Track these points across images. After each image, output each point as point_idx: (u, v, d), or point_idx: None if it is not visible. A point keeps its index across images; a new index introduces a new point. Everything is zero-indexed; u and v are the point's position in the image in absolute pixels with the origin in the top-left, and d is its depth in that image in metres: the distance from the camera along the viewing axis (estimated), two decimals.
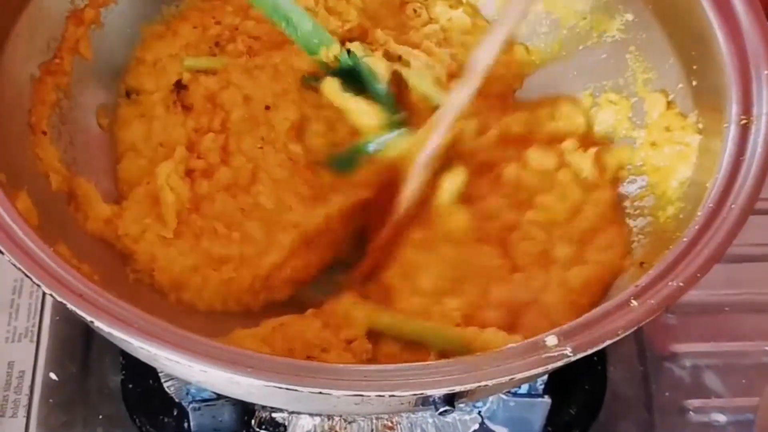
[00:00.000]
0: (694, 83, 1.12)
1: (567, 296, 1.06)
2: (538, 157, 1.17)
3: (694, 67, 1.12)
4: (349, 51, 1.18)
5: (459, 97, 1.11)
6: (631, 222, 1.12)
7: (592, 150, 1.16)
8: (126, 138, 1.18)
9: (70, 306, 0.85)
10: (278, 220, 1.10)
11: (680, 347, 1.22)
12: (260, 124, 1.17)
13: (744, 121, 1.03)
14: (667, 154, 1.13)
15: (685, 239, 0.95)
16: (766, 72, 1.04)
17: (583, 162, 1.16)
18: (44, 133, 1.11)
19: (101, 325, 0.84)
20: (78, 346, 1.16)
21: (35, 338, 1.17)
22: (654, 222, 1.11)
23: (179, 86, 1.21)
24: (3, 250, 0.86)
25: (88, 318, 0.85)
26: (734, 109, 1.02)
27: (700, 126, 1.09)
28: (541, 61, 1.28)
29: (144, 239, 1.09)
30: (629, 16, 1.22)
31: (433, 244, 1.09)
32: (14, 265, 0.85)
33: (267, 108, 1.17)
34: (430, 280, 1.06)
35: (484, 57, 1.10)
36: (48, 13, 1.15)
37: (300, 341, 1.01)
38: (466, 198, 1.13)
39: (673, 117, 1.14)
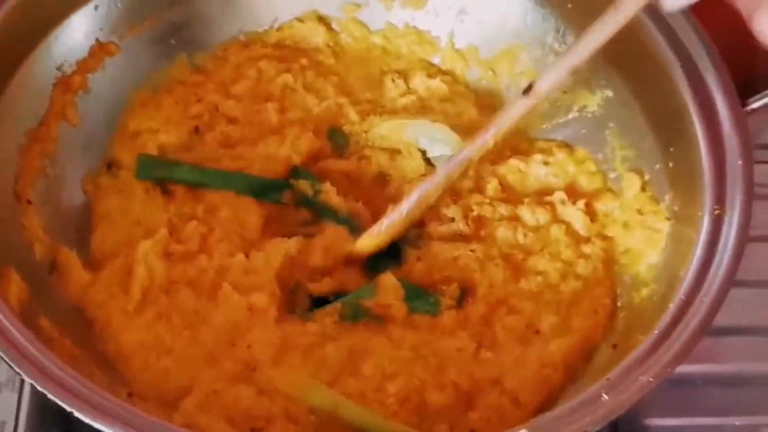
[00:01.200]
0: (671, 165, 1.14)
1: (540, 371, 1.07)
2: (532, 214, 1.19)
3: (671, 149, 1.14)
4: (291, 187, 1.23)
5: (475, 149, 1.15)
6: None
7: (581, 202, 1.19)
8: (102, 209, 1.18)
9: (51, 396, 0.88)
10: (223, 347, 1.09)
11: (654, 421, 1.23)
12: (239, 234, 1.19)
13: (717, 212, 1.05)
14: (638, 238, 1.15)
15: (656, 332, 0.98)
16: (739, 162, 1.06)
17: (575, 214, 1.18)
18: (29, 202, 1.12)
19: (81, 417, 0.87)
20: None
21: (17, 389, 1.15)
22: (629, 301, 1.13)
23: None
24: None
25: (69, 409, 0.88)
26: (708, 198, 1.05)
27: (675, 209, 1.11)
28: (522, 132, 1.29)
29: (107, 307, 1.09)
30: (609, 93, 1.24)
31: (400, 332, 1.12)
32: None
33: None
34: (376, 364, 1.07)
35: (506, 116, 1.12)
36: (35, 80, 1.16)
37: (237, 410, 1.02)
38: (461, 274, 1.16)
39: (646, 200, 1.16)
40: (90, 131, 1.22)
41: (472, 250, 1.18)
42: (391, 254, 1.19)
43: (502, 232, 1.18)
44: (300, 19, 1.35)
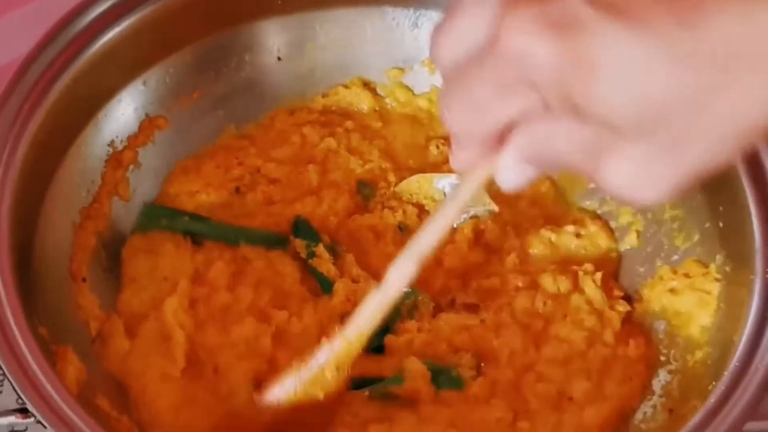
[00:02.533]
0: (721, 224, 1.12)
1: None
2: (553, 282, 1.16)
3: (720, 208, 1.12)
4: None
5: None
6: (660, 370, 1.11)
7: (598, 275, 1.15)
8: (131, 271, 1.17)
9: None
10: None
11: None
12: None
13: None
14: (688, 300, 1.12)
15: (712, 400, 0.97)
16: None
17: (590, 288, 1.15)
18: (84, 280, 1.12)
19: None
20: None
21: None
22: (683, 365, 1.10)
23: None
24: (46, 424, 0.89)
25: None
26: (759, 260, 1.03)
27: (727, 269, 1.09)
28: (561, 195, 1.29)
29: (145, 374, 1.08)
30: None
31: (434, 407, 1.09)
32: None
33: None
34: None
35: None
36: (87, 158, 1.17)
37: None
38: (477, 346, 1.13)
39: (693, 264, 1.14)
40: (139, 203, 1.23)
41: (482, 320, 1.15)
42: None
43: (519, 302, 1.16)
44: (345, 86, 1.35)
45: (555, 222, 1.23)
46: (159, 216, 1.21)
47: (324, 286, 1.18)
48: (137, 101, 1.23)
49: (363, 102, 1.34)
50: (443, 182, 1.25)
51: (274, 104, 1.33)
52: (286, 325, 1.13)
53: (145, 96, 1.23)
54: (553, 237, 1.21)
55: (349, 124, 1.32)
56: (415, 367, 1.10)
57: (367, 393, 1.08)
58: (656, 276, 1.16)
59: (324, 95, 1.35)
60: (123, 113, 1.21)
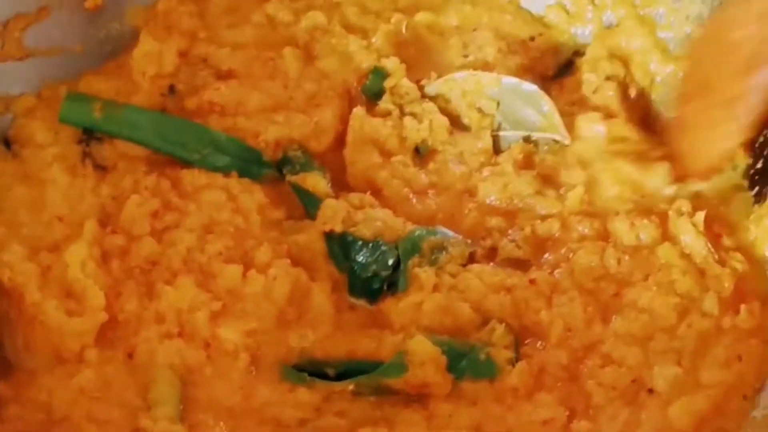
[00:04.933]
0: None
1: None
2: (629, 229, 1.02)
3: None
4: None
5: None
6: None
7: (699, 216, 1.01)
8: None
9: None
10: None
11: None
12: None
13: None
14: None
15: None
16: None
17: (687, 235, 1.01)
18: None
19: None
20: None
21: None
22: None
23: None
24: None
25: None
26: None
27: None
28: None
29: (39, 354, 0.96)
30: None
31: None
32: None
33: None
34: None
35: None
36: None
37: None
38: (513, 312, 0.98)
39: None
40: None
41: (532, 281, 1.00)
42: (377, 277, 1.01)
43: (581, 257, 1.01)
44: None
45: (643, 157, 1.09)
46: (86, 110, 1.06)
47: (310, 206, 1.04)
48: None
49: None
50: (499, 91, 1.10)
51: None
52: (239, 285, 0.98)
53: None
54: (634, 173, 1.06)
55: None
56: (424, 348, 0.95)
57: (352, 387, 0.96)
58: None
59: None
60: None
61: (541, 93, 1.10)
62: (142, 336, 0.96)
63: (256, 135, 1.08)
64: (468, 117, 1.12)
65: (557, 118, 1.08)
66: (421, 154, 1.09)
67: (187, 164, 1.05)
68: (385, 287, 1.00)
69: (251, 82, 1.11)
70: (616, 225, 1.03)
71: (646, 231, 1.03)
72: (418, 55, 1.16)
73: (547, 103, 1.09)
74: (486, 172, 1.07)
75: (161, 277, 0.99)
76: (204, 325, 0.96)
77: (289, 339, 0.96)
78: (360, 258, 1.00)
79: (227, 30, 1.14)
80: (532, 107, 1.09)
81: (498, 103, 1.10)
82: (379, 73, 1.12)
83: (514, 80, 1.11)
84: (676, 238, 1.02)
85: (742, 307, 0.98)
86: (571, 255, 1.02)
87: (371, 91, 1.12)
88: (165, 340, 0.96)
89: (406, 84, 1.12)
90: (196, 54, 1.13)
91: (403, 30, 1.16)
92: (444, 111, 1.11)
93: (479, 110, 1.11)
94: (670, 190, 1.06)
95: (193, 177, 1.05)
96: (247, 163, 1.07)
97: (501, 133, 1.10)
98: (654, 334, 0.97)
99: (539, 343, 0.99)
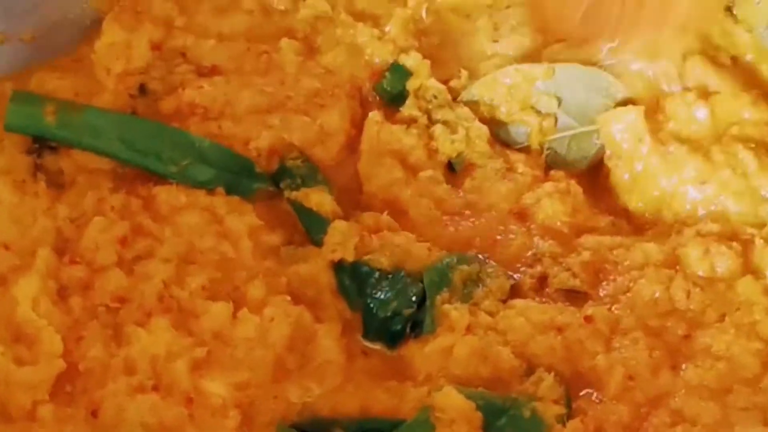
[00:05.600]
0: None
1: None
2: (703, 258, 0.95)
3: None
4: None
5: None
6: None
7: None
8: None
9: None
10: None
11: None
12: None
13: None
14: None
15: None
16: None
17: None
18: None
19: None
20: None
21: None
22: None
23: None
24: None
25: None
26: None
27: None
28: None
29: None
30: None
31: None
32: None
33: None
34: None
35: None
36: None
37: None
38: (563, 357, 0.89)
39: None
40: None
41: (587, 318, 0.92)
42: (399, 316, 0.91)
43: (645, 289, 0.93)
44: None
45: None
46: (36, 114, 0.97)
47: (314, 229, 0.95)
48: None
49: None
50: (554, 83, 1.03)
51: None
52: (228, 327, 0.88)
53: None
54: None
55: None
56: (455, 402, 0.87)
57: None
58: None
59: None
60: None
61: (609, 77, 1.03)
62: (108, 389, 0.86)
63: (246, 141, 1.00)
64: (523, 121, 1.04)
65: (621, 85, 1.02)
66: (456, 169, 1.01)
67: (162, 179, 0.96)
68: (407, 329, 0.92)
69: (240, 79, 1.03)
70: (688, 250, 0.96)
71: (724, 260, 0.95)
72: (442, 47, 1.09)
73: (619, 89, 1.02)
74: (540, 189, 0.99)
75: (131, 317, 0.89)
76: (184, 375, 0.87)
77: (288, 393, 0.87)
78: (377, 293, 0.91)
79: (211, 18, 1.06)
80: (601, 95, 1.02)
81: (559, 100, 1.03)
82: (399, 71, 1.05)
83: (571, 66, 1.04)
84: (760, 271, 0.95)
85: None
86: (631, 284, 0.95)
87: (390, 92, 1.05)
88: (137, 394, 0.87)
89: (434, 85, 1.04)
90: (172, 46, 1.05)
91: (423, 15, 1.09)
92: (484, 119, 1.04)
93: (535, 110, 1.04)
94: None
95: (169, 195, 0.96)
96: (236, 175, 0.98)
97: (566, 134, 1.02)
98: (733, 386, 0.90)
99: (595, 395, 0.91)
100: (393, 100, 1.05)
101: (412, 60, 1.05)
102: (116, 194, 0.95)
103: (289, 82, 1.03)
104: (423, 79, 1.04)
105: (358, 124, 1.03)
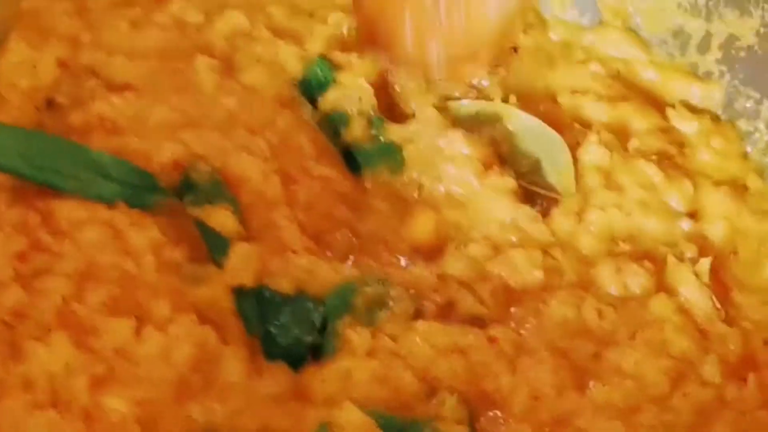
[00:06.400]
0: None
1: None
2: (614, 275, 0.95)
3: None
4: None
5: None
6: None
7: (704, 263, 0.95)
8: None
9: None
10: None
11: None
12: None
13: None
14: None
15: None
16: None
17: (688, 285, 0.94)
18: None
19: None
20: None
21: None
22: None
23: None
24: None
25: None
26: None
27: None
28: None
29: None
30: None
31: None
32: None
33: None
34: None
35: None
36: None
37: None
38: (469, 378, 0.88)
39: None
40: None
41: (491, 338, 0.92)
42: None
43: (554, 310, 0.93)
44: None
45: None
46: None
47: (216, 249, 0.93)
48: None
49: None
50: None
51: None
52: (130, 344, 0.86)
53: None
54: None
55: None
56: (354, 418, 0.86)
57: None
58: None
59: None
60: None
61: (563, 142, 1.03)
62: (5, 405, 0.83)
63: (150, 156, 0.97)
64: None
65: (571, 174, 1.00)
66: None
67: (61, 194, 0.92)
68: (308, 353, 0.90)
69: (154, 96, 1.00)
70: (599, 270, 0.95)
71: (636, 279, 0.95)
72: None
73: (566, 157, 1.02)
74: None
75: (29, 333, 0.86)
76: (83, 392, 0.84)
77: (191, 412, 0.84)
78: (278, 319, 0.90)
79: (122, 34, 1.05)
80: (547, 156, 1.03)
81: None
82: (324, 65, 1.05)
83: (536, 121, 1.04)
84: (673, 290, 0.95)
85: (750, 376, 0.90)
86: (542, 306, 0.94)
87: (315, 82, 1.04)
88: (34, 410, 0.84)
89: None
90: (81, 63, 1.02)
91: (344, 32, 1.09)
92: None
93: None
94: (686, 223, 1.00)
95: (68, 209, 0.92)
96: (138, 189, 0.95)
97: None
98: (641, 405, 0.89)
99: (500, 415, 0.89)
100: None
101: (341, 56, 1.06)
102: (13, 209, 0.93)
103: (205, 101, 1.02)
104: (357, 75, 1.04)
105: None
